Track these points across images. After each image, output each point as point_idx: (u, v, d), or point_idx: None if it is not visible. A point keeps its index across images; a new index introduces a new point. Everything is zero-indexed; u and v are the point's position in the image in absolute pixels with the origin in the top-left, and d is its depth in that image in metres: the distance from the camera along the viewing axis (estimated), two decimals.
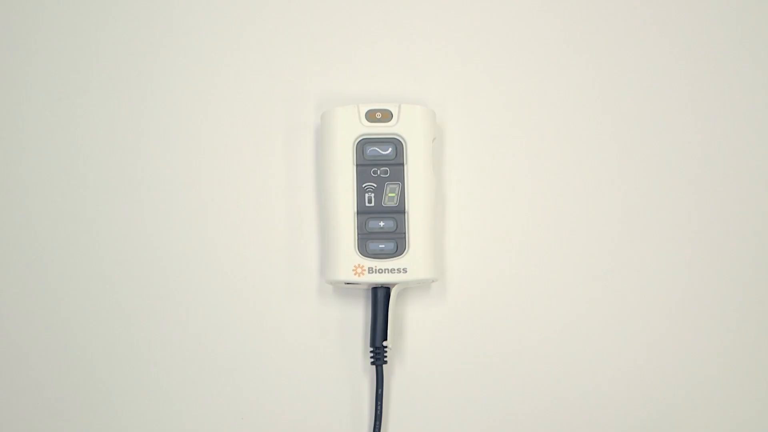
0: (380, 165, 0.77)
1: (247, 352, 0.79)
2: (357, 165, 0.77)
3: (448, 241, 0.81)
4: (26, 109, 0.82)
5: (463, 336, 0.80)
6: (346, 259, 0.76)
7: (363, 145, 0.77)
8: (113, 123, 0.82)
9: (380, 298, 0.77)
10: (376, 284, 0.77)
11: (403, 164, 0.77)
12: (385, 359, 0.78)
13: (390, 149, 0.77)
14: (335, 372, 0.79)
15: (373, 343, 0.78)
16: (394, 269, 0.76)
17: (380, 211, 0.77)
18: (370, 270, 0.76)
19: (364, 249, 0.76)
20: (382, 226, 0.76)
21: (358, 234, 0.76)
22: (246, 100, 0.82)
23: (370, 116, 0.77)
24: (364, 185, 0.77)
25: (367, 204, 0.77)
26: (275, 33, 0.83)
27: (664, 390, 0.80)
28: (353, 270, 0.76)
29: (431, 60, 0.83)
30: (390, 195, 0.77)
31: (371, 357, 0.78)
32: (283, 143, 0.82)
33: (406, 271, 0.76)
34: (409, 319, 0.80)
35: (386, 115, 0.77)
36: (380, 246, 0.76)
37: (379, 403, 0.77)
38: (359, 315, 0.80)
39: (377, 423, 0.77)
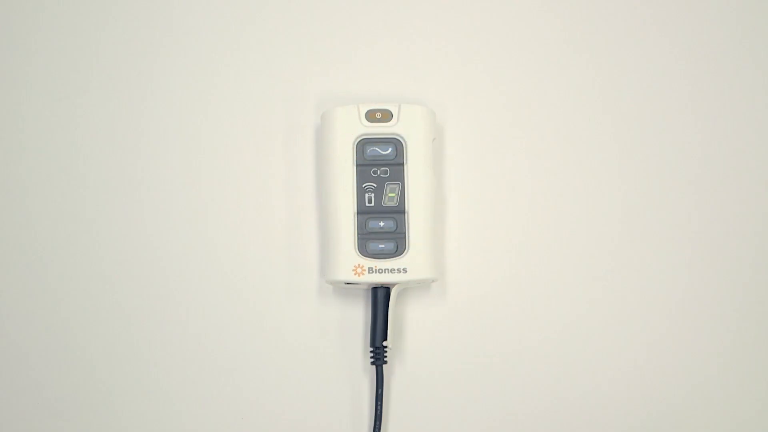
0: (380, 165, 0.77)
1: (247, 352, 0.79)
2: (357, 165, 0.77)
3: (448, 241, 0.81)
4: (26, 109, 0.82)
5: (463, 336, 0.80)
6: (346, 259, 0.76)
7: (363, 145, 0.77)
8: (113, 123, 0.82)
9: (380, 298, 0.77)
10: (376, 284, 0.77)
11: (403, 164, 0.77)
12: (385, 359, 0.78)
13: (390, 149, 0.77)
14: (335, 372, 0.79)
15: (373, 343, 0.78)
16: (394, 269, 0.76)
17: (380, 211, 0.77)
18: (370, 270, 0.76)
19: (364, 249, 0.76)
20: (382, 226, 0.76)
21: (358, 234, 0.76)
22: (246, 100, 0.82)
23: (370, 116, 0.77)
24: (364, 185, 0.77)
25: (367, 204, 0.77)
26: (275, 33, 0.83)
27: (664, 390, 0.80)
28: (353, 270, 0.76)
29: (431, 60, 0.83)
30: (390, 195, 0.77)
31: (371, 357, 0.78)
32: (283, 143, 0.82)
33: (406, 271, 0.76)
34: (409, 319, 0.80)
35: (386, 115, 0.77)
36: (380, 246, 0.76)
37: (379, 403, 0.77)
38: (359, 315, 0.80)
39: (377, 423, 0.77)
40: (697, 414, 0.80)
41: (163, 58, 0.83)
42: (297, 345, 0.80)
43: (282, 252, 0.80)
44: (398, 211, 0.77)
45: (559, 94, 0.83)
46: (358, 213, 0.77)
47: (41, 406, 0.79)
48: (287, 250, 0.80)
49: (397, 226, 0.76)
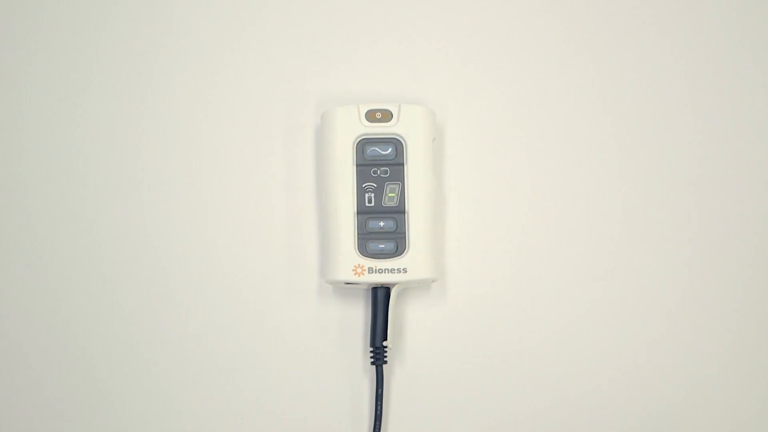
0: (380, 165, 0.77)
1: (247, 352, 0.79)
2: (357, 165, 0.77)
3: (448, 241, 0.81)
4: (26, 109, 0.82)
5: (463, 336, 0.80)
6: (346, 259, 0.76)
7: (363, 145, 0.77)
8: (113, 123, 0.82)
9: (380, 297, 0.77)
10: (376, 284, 0.77)
11: (403, 164, 0.77)
12: (385, 359, 0.78)
13: (390, 149, 0.77)
14: (335, 372, 0.79)
15: (373, 343, 0.78)
16: (394, 269, 0.76)
17: (380, 211, 0.77)
18: (370, 270, 0.76)
19: (364, 249, 0.76)
20: (382, 226, 0.76)
21: (358, 234, 0.76)
22: (246, 100, 0.82)
23: (370, 116, 0.77)
24: (364, 185, 0.77)
25: (367, 204, 0.77)
26: (275, 33, 0.83)
27: (664, 390, 0.80)
28: (353, 270, 0.76)
29: (431, 60, 0.83)
30: (390, 195, 0.77)
31: (371, 357, 0.78)
32: (283, 143, 0.82)
33: (406, 271, 0.76)
34: (409, 319, 0.80)
35: (386, 115, 0.77)
36: (380, 246, 0.76)
37: (379, 403, 0.77)
38: (359, 315, 0.80)
39: (377, 423, 0.77)
40: (697, 414, 0.79)
41: (163, 58, 0.83)
42: (297, 345, 0.80)
43: (282, 252, 0.80)
44: (398, 211, 0.77)
45: (559, 94, 0.83)
46: (358, 213, 0.76)
47: (41, 406, 0.79)
48: (287, 250, 0.80)
49: (397, 226, 0.76)
